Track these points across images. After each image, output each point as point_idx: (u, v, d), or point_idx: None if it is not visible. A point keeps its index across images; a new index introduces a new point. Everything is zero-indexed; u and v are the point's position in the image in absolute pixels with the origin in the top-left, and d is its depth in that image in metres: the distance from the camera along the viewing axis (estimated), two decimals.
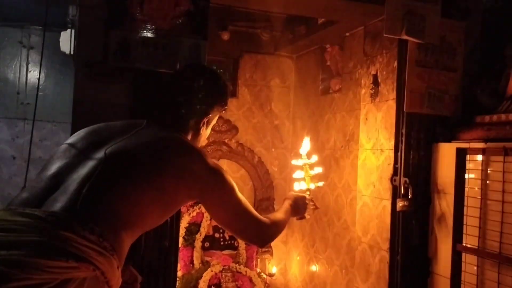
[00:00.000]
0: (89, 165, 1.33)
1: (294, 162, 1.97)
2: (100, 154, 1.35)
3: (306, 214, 1.89)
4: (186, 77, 1.66)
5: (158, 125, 1.54)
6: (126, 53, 2.18)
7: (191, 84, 1.61)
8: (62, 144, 1.50)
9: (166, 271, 2.04)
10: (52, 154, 1.45)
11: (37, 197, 1.29)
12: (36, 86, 4.49)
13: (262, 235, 1.60)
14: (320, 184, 1.99)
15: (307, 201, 1.89)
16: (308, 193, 1.92)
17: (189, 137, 1.60)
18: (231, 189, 1.50)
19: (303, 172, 1.93)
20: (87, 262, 1.18)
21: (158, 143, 1.45)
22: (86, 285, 1.19)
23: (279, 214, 1.73)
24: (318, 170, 1.96)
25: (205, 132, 1.66)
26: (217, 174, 1.47)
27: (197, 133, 1.62)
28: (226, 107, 1.72)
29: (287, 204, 1.81)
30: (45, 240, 1.15)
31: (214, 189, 1.46)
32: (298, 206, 1.85)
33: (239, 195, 1.52)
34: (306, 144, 1.96)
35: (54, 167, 1.38)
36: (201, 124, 1.61)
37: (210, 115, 1.63)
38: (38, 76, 3.40)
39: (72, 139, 1.48)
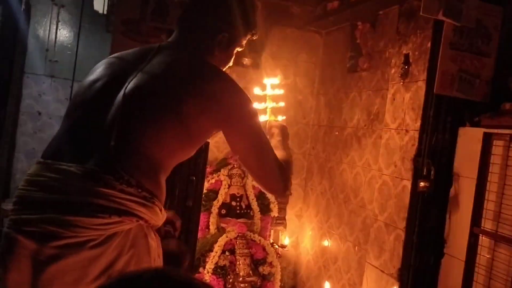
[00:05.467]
0: (112, 107, 1.27)
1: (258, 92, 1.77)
2: (120, 94, 1.28)
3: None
4: None
5: (173, 48, 1.41)
6: (163, 13, 2.21)
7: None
8: (84, 81, 1.39)
9: (189, 229, 2.12)
10: (77, 92, 1.37)
11: (70, 147, 1.27)
12: (64, 44, 4.56)
13: (283, 178, 1.43)
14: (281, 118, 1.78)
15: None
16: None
17: (207, 58, 1.42)
18: (258, 125, 1.37)
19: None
20: (130, 215, 1.20)
21: (176, 68, 1.34)
22: (132, 235, 1.22)
23: (282, 153, 1.52)
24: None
25: (225, 55, 1.46)
26: (246, 105, 1.35)
27: (212, 53, 1.43)
28: (253, 32, 1.51)
29: (278, 139, 1.62)
30: (87, 199, 1.16)
31: (240, 121, 1.34)
32: (285, 135, 1.68)
33: (264, 134, 1.40)
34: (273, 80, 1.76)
35: (81, 110, 1.33)
36: (215, 42, 1.42)
37: (227, 34, 1.42)
38: (72, 35, 3.42)
39: (93, 76, 1.37)
